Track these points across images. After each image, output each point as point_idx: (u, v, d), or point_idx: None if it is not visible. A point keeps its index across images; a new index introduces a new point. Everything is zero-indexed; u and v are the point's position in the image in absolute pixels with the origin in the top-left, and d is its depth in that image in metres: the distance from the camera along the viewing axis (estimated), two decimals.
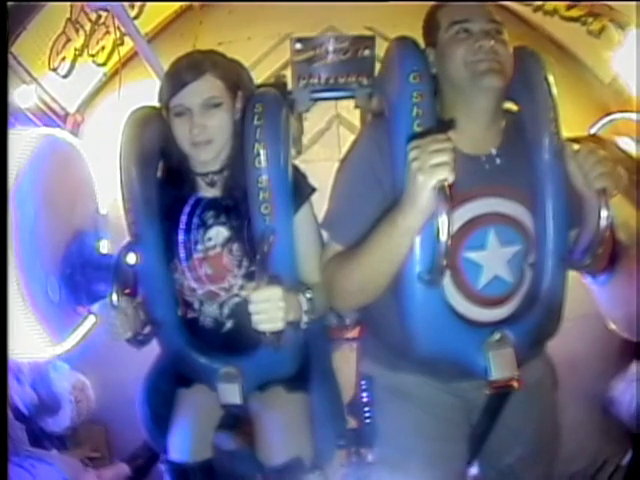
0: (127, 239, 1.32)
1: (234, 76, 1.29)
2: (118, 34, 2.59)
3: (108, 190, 1.66)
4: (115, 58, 2.89)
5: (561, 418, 1.35)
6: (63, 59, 3.06)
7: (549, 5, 2.99)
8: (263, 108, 1.22)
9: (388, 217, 1.06)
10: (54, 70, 3.02)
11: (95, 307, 1.58)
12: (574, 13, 2.84)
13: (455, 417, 1.26)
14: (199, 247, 1.30)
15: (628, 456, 1.61)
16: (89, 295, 1.54)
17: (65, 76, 3.12)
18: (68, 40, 3.05)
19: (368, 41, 1.88)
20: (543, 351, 1.32)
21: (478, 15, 1.15)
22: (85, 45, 3.20)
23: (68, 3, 2.79)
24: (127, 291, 1.29)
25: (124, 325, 1.23)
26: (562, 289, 1.23)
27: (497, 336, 1.16)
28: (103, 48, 3.30)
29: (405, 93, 1.12)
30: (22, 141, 1.41)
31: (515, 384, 1.16)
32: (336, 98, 2.08)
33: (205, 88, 1.23)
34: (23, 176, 1.38)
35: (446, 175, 0.97)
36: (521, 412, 1.24)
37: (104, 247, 1.65)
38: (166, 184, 1.33)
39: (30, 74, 2.74)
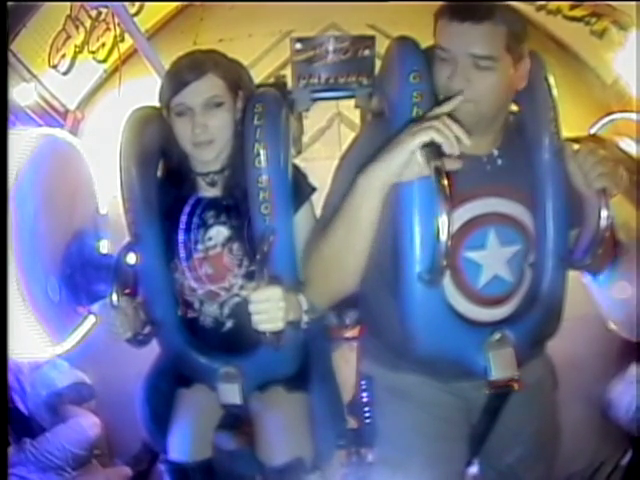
0: (127, 239, 1.32)
1: (235, 76, 1.29)
2: (118, 31, 2.58)
3: (108, 190, 1.65)
4: (115, 55, 2.88)
5: (560, 418, 1.35)
6: (63, 56, 3.06)
7: (552, 5, 2.97)
8: (263, 108, 1.22)
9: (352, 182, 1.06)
10: (54, 67, 3.02)
11: (95, 307, 1.58)
12: (577, 13, 2.83)
13: (455, 417, 1.26)
14: (199, 247, 1.30)
15: (627, 457, 1.61)
16: (89, 295, 1.54)
17: (65, 73, 3.12)
18: (68, 37, 3.05)
19: (368, 41, 1.87)
20: (543, 351, 1.33)
21: (460, 47, 1.08)
22: (85, 42, 3.20)
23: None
24: (127, 291, 1.29)
25: (124, 325, 1.23)
26: (562, 289, 1.23)
27: (497, 336, 1.16)
28: (103, 45, 3.30)
29: (405, 93, 1.11)
30: (22, 141, 1.41)
31: (515, 384, 1.16)
32: (336, 98, 2.06)
33: (207, 87, 1.23)
34: (23, 176, 1.37)
35: (433, 136, 0.96)
36: (521, 412, 1.24)
37: (104, 247, 1.65)
38: (166, 184, 1.33)
39: (30, 71, 2.74)
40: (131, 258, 1.29)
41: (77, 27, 3.08)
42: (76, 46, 3.13)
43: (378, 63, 1.61)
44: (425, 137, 0.97)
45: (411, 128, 1.00)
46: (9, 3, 1.36)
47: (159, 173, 1.35)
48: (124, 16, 1.93)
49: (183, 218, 1.31)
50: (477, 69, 1.08)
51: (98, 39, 3.26)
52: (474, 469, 1.38)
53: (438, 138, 0.97)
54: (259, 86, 1.43)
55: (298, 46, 1.88)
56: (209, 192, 1.32)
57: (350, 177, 1.16)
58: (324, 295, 1.21)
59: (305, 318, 1.19)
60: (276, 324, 1.08)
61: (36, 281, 1.41)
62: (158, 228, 1.31)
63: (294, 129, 1.86)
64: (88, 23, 3.14)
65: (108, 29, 3.18)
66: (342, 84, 1.93)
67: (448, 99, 1.08)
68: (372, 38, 1.89)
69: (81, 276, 1.51)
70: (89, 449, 2.08)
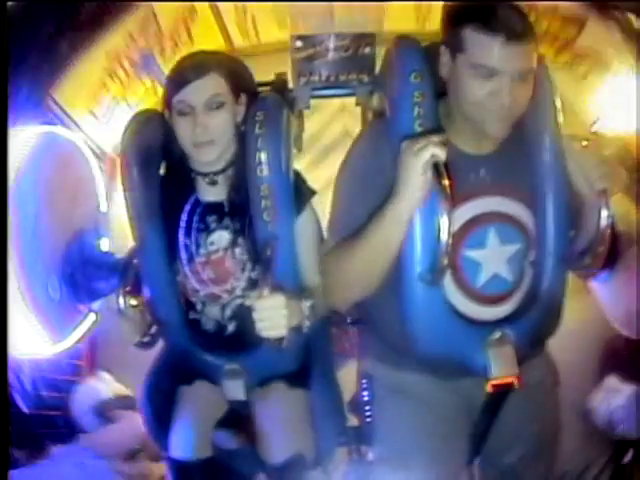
0: (128, 238, 1.32)
1: (238, 77, 1.29)
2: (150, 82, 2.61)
3: (109, 190, 1.66)
4: (150, 103, 2.91)
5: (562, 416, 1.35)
6: (101, 104, 3.07)
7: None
8: (264, 116, 1.24)
9: (379, 209, 1.07)
10: (92, 114, 3.02)
11: (96, 305, 1.58)
12: (561, 59, 2.77)
13: (456, 415, 1.26)
14: (201, 251, 1.31)
15: (628, 456, 1.61)
16: (90, 293, 1.53)
17: (103, 120, 3.13)
18: (105, 87, 3.06)
19: (369, 38, 1.86)
20: (543, 350, 1.33)
21: (508, 66, 1.05)
22: (121, 92, 3.21)
23: (103, 53, 2.77)
24: (128, 289, 1.29)
25: (132, 330, 1.24)
26: (562, 288, 1.23)
27: (497, 334, 1.17)
28: (139, 94, 3.31)
29: (406, 92, 1.11)
30: (22, 139, 1.40)
31: (515, 382, 1.16)
32: (337, 96, 2.06)
33: (209, 86, 1.23)
34: (23, 174, 1.37)
35: (436, 151, 0.97)
36: (522, 411, 1.24)
37: (105, 245, 1.64)
38: (168, 185, 1.34)
39: (70, 118, 2.75)
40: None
41: (113, 78, 3.08)
42: (113, 96, 3.14)
43: (379, 60, 1.61)
44: (427, 154, 0.98)
45: (410, 147, 1.00)
46: (9, 3, 1.36)
47: (161, 174, 1.35)
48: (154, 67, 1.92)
49: (184, 220, 1.32)
50: (522, 83, 1.07)
51: (134, 89, 3.26)
52: (475, 468, 1.38)
53: (441, 154, 0.98)
54: (259, 85, 1.43)
55: (298, 44, 1.87)
56: (211, 193, 1.32)
57: (354, 181, 1.17)
58: (343, 302, 1.25)
59: (307, 323, 1.20)
60: (279, 330, 1.09)
61: (37, 279, 1.40)
62: (160, 230, 1.31)
63: (295, 128, 1.86)
64: (123, 75, 3.14)
65: (142, 82, 3.20)
66: (343, 82, 1.92)
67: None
68: (372, 35, 1.88)
69: (82, 274, 1.50)
70: (141, 443, 2.11)
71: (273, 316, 1.08)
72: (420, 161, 0.98)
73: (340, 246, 1.16)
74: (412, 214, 1.05)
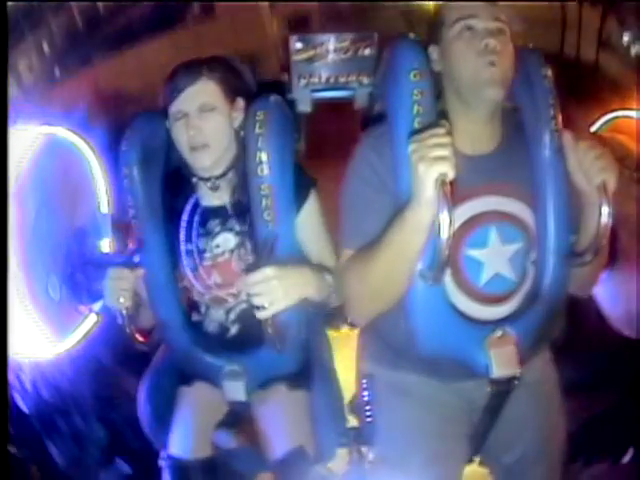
0: (129, 239, 1.32)
1: (232, 81, 1.29)
2: None
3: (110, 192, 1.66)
4: None
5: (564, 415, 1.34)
6: None
7: None
8: (264, 116, 1.23)
9: (399, 213, 1.05)
10: None
11: (96, 306, 1.58)
12: None
13: (456, 416, 1.25)
14: (207, 255, 1.31)
15: (628, 455, 1.60)
16: (90, 294, 1.54)
17: None
18: None
19: (369, 39, 1.87)
20: (546, 349, 1.32)
21: (483, 13, 1.13)
22: None
23: None
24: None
25: (125, 291, 1.21)
26: (564, 286, 1.22)
27: (498, 333, 1.16)
28: None
29: (405, 91, 1.11)
30: (24, 139, 1.41)
31: (516, 382, 1.16)
32: (337, 97, 2.07)
33: (200, 92, 1.24)
34: (24, 174, 1.38)
35: (446, 169, 0.96)
36: (524, 410, 1.24)
37: (105, 246, 1.64)
38: (168, 186, 1.34)
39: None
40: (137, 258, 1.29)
41: None
42: None
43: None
44: (441, 169, 0.96)
45: (422, 156, 0.97)
46: (9, 3, 1.37)
47: (162, 179, 1.35)
48: None
49: (185, 221, 1.32)
50: (501, 39, 1.12)
51: None
52: (477, 467, 1.37)
53: (451, 172, 0.96)
54: (259, 85, 1.43)
55: (298, 45, 1.88)
56: (212, 198, 1.32)
57: (362, 186, 1.16)
58: (364, 315, 1.23)
59: (334, 297, 1.21)
60: (278, 303, 1.09)
61: (37, 280, 1.41)
62: (161, 231, 1.31)
63: (295, 128, 1.86)
64: None
65: None
66: (343, 83, 1.93)
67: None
68: (372, 36, 1.89)
69: (82, 275, 1.51)
70: None
71: (265, 290, 1.08)
72: (433, 173, 0.96)
73: (359, 256, 1.14)
74: (433, 219, 1.01)
